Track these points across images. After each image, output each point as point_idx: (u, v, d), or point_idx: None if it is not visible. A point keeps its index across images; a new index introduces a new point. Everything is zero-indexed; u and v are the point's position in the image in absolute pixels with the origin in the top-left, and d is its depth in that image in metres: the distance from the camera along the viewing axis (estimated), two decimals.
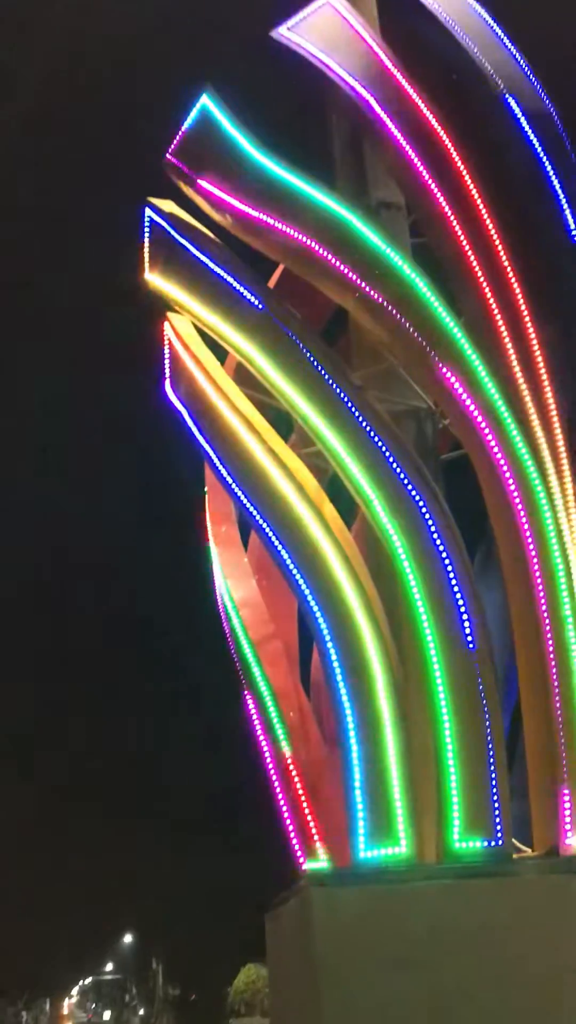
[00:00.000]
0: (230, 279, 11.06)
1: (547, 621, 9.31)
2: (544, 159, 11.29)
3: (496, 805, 8.79)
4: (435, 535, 9.67)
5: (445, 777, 8.86)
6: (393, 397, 11.35)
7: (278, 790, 10.36)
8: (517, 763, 9.47)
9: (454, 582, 9.47)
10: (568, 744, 8.95)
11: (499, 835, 8.76)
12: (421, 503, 9.82)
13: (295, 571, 10.11)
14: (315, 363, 10.51)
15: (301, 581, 10.03)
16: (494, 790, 8.80)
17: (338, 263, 10.47)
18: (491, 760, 8.87)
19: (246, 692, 11.10)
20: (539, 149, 11.45)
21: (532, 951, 8.32)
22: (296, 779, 10.18)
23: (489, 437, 9.80)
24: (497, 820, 8.77)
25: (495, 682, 9.22)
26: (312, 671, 11.52)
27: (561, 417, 10.08)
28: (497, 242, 10.53)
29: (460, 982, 8.21)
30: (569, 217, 10.88)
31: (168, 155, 11.98)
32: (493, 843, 8.74)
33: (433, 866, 8.84)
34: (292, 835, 10.11)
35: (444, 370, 10.04)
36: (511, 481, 9.66)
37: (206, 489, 12.42)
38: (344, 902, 8.52)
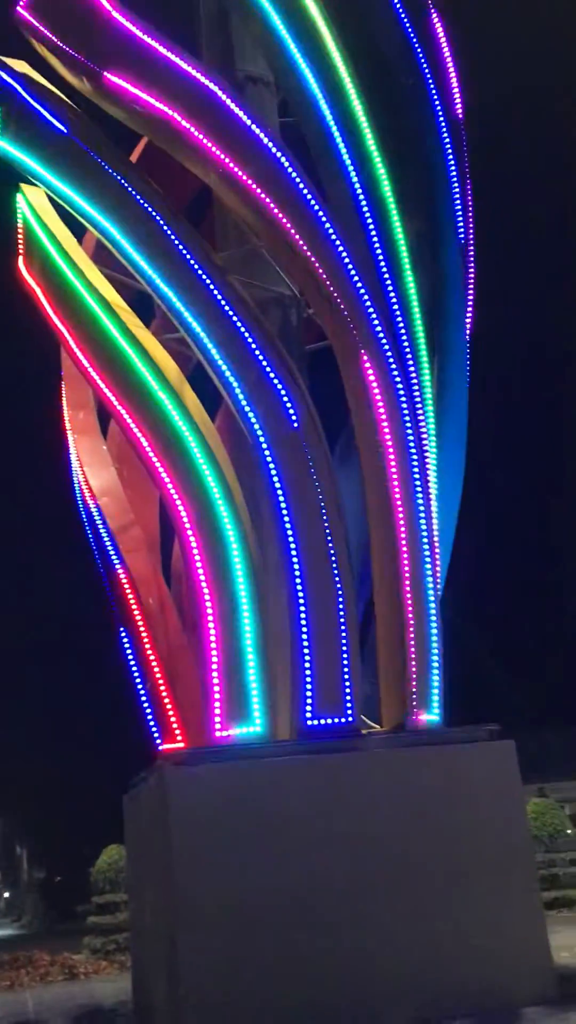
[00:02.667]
0: (87, 148, 10.42)
1: (401, 511, 9.54)
2: (414, 41, 11.05)
3: (347, 685, 9.11)
4: (295, 424, 9.66)
5: (299, 658, 9.10)
6: (258, 282, 11.12)
7: (136, 674, 10.44)
8: (369, 650, 9.80)
9: (312, 469, 9.53)
10: (416, 631, 9.33)
11: (350, 713, 9.12)
12: (284, 392, 9.76)
13: (155, 459, 9.95)
14: (177, 241, 10.11)
15: (161, 470, 9.90)
16: (346, 671, 9.10)
17: (200, 135, 10.01)
18: (344, 643, 9.14)
19: (106, 580, 11.01)
20: (410, 31, 11.21)
21: (381, 820, 8.77)
22: (154, 663, 10.26)
23: (350, 325, 9.76)
24: (348, 699, 9.11)
25: (350, 569, 9.44)
26: (173, 562, 11.51)
27: (422, 306, 10.15)
28: (365, 126, 10.30)
29: (312, 852, 8.60)
30: (436, 99, 10.75)
31: (18, 8, 11.04)
32: (344, 720, 9.09)
33: (287, 743, 9.14)
34: (150, 718, 10.24)
35: (308, 254, 9.87)
36: (371, 371, 9.69)
37: (62, 375, 11.98)
38: (200, 779, 8.70)
